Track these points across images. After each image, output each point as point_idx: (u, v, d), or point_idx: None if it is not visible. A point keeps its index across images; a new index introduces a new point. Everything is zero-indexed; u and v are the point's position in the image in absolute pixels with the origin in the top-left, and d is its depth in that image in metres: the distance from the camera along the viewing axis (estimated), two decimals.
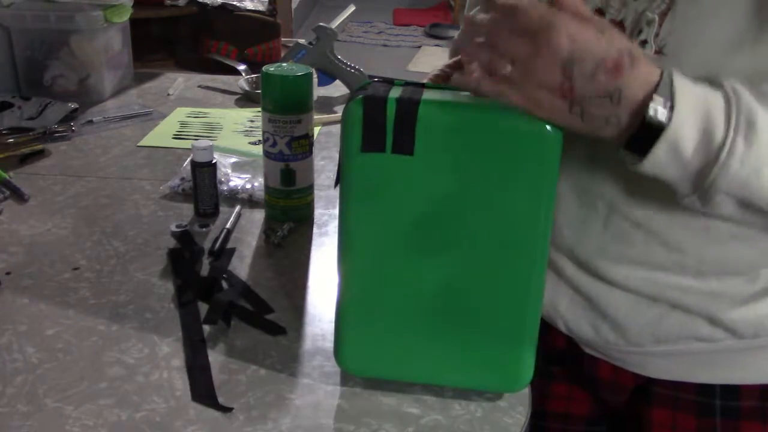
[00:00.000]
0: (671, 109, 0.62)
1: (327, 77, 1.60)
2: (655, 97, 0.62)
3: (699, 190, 0.65)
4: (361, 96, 0.70)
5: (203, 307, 0.92)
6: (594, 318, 0.84)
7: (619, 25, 0.70)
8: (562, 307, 0.85)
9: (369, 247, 0.74)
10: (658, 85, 0.62)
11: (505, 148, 0.69)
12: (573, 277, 0.83)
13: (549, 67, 0.63)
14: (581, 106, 0.64)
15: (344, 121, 0.71)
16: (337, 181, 0.75)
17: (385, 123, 0.69)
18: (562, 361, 0.93)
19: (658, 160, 0.64)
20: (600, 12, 0.71)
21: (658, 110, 0.62)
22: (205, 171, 1.12)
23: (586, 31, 0.62)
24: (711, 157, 0.63)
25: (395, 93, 0.71)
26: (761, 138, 0.62)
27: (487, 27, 0.65)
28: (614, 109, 0.63)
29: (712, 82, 0.65)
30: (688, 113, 0.62)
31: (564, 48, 0.62)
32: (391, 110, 0.69)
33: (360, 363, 0.80)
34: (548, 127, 0.68)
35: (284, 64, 1.09)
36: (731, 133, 0.62)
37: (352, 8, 1.75)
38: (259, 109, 1.15)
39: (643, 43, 0.68)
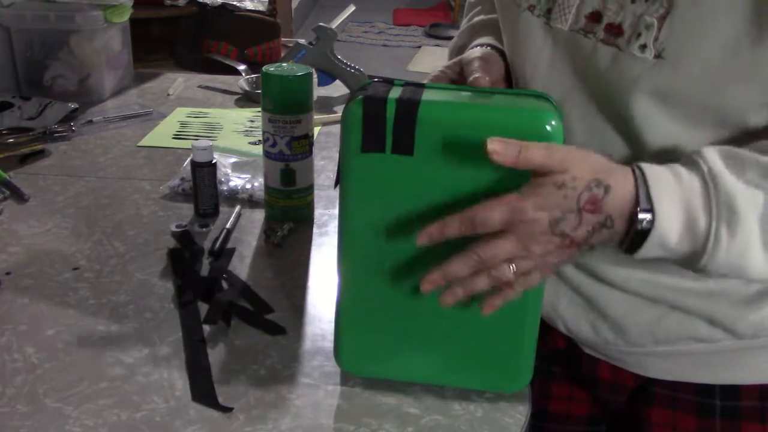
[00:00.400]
0: (652, 211, 0.65)
1: (327, 77, 1.60)
2: (640, 210, 0.65)
3: (693, 269, 0.68)
4: (361, 96, 0.70)
5: (203, 307, 0.92)
6: (594, 318, 0.84)
7: (617, 28, 0.70)
8: (562, 308, 0.85)
9: (369, 248, 0.74)
10: (637, 191, 0.66)
11: None
12: (573, 277, 0.83)
13: (544, 241, 0.67)
14: (588, 244, 0.67)
15: (344, 122, 0.71)
16: (337, 182, 0.75)
17: (385, 123, 0.69)
18: (561, 361, 0.93)
19: (649, 254, 0.67)
20: (597, 15, 0.71)
21: (644, 221, 0.65)
22: (205, 171, 1.12)
23: (546, 192, 0.66)
24: (698, 246, 0.66)
25: (395, 93, 0.71)
26: (743, 223, 0.64)
27: (468, 257, 0.68)
28: (612, 231, 0.67)
29: (689, 157, 0.68)
30: (669, 212, 0.65)
31: (542, 220, 0.66)
32: (391, 110, 0.69)
33: (360, 363, 0.80)
34: (548, 126, 0.68)
35: (284, 64, 1.09)
36: (714, 223, 0.64)
37: (352, 8, 1.76)
38: (259, 109, 1.15)
39: (643, 47, 0.68)
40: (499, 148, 0.65)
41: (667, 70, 0.68)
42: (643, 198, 0.65)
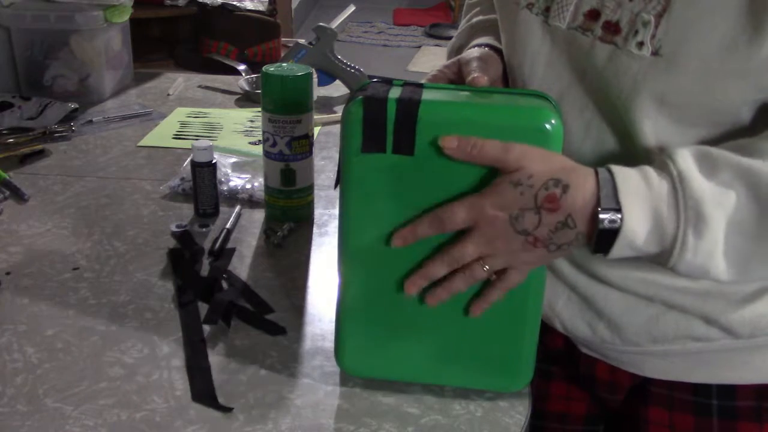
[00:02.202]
0: (619, 211, 0.66)
1: (327, 77, 1.60)
2: (602, 208, 0.66)
3: (665, 267, 0.69)
4: (361, 97, 0.70)
5: (203, 307, 0.92)
6: (590, 317, 0.84)
7: (615, 26, 0.70)
8: (559, 306, 0.85)
9: (369, 248, 0.74)
10: (599, 191, 0.66)
11: None
12: (570, 276, 0.83)
13: (507, 238, 0.68)
14: (553, 243, 0.69)
15: (344, 122, 0.71)
16: (337, 182, 0.75)
17: (385, 123, 0.69)
18: (559, 361, 0.93)
19: (620, 254, 0.68)
20: (595, 13, 0.71)
21: (606, 220, 0.66)
22: (205, 171, 1.12)
23: (502, 190, 0.68)
24: (666, 247, 0.67)
25: (395, 93, 0.70)
26: (710, 228, 0.65)
27: (441, 257, 0.71)
28: (576, 231, 0.68)
29: (660, 159, 0.68)
30: (636, 214, 0.66)
31: (501, 217, 0.68)
32: (391, 111, 0.69)
33: (361, 364, 0.80)
34: (548, 125, 0.68)
35: (284, 64, 1.09)
36: (681, 226, 0.65)
37: (352, 8, 1.76)
38: (259, 109, 1.15)
39: (640, 44, 0.68)
40: (451, 144, 0.68)
41: (664, 68, 0.68)
42: (606, 198, 0.66)
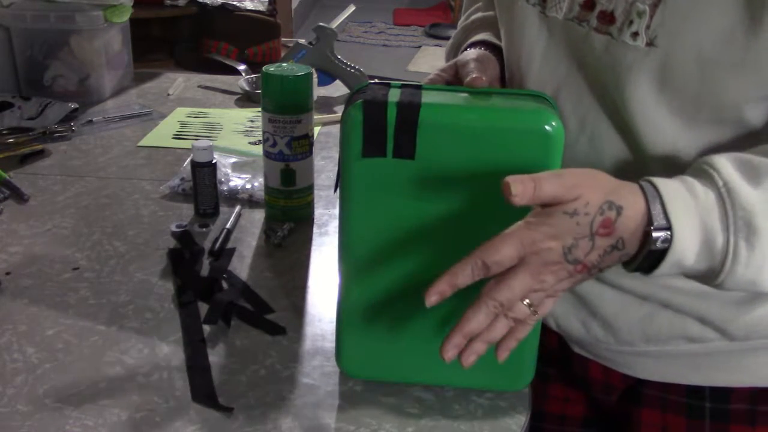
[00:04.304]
0: (669, 230, 0.62)
1: (327, 77, 1.60)
2: (654, 227, 0.62)
3: (709, 285, 0.66)
4: (360, 101, 0.70)
5: (203, 307, 0.92)
6: (584, 315, 0.84)
7: (610, 16, 0.70)
8: None
9: (370, 251, 0.74)
10: (649, 209, 0.63)
11: (507, 149, 0.69)
12: None
13: (557, 270, 0.63)
14: (597, 267, 0.64)
15: (344, 126, 0.71)
16: (337, 186, 0.75)
17: (385, 127, 0.69)
18: (554, 361, 0.93)
19: (666, 272, 0.64)
20: (591, 3, 0.71)
21: (659, 240, 0.62)
22: (205, 171, 1.12)
23: (557, 221, 0.62)
24: (716, 264, 0.63)
25: (394, 96, 0.70)
26: (762, 237, 0.62)
27: (486, 305, 0.64)
28: (623, 252, 0.64)
29: (700, 168, 0.65)
30: (687, 231, 0.62)
31: (555, 249, 0.62)
32: (391, 114, 0.69)
33: (361, 366, 0.80)
34: (548, 126, 0.68)
35: (284, 64, 1.09)
36: (732, 239, 0.62)
37: (352, 8, 1.76)
38: (259, 109, 1.15)
39: (635, 35, 0.68)
40: (516, 190, 0.62)
41: (659, 58, 0.67)
42: (657, 215, 0.63)
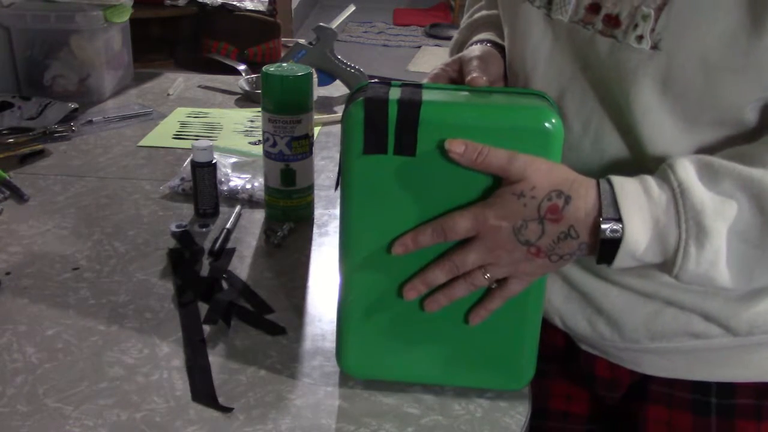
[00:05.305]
0: (620, 221, 0.66)
1: (327, 77, 1.60)
2: (603, 218, 0.67)
3: (670, 276, 0.69)
4: (361, 98, 0.70)
5: (203, 307, 0.92)
6: (590, 313, 0.84)
7: (615, 19, 0.70)
8: (558, 302, 0.85)
9: (371, 249, 0.74)
10: (600, 201, 0.67)
11: (507, 146, 0.69)
12: (569, 272, 0.83)
13: (510, 248, 0.69)
14: (555, 253, 0.69)
15: (345, 124, 0.71)
16: (338, 184, 0.75)
17: (386, 125, 0.69)
18: (560, 359, 0.93)
19: (624, 264, 0.68)
20: (596, 6, 0.71)
21: (607, 230, 0.67)
22: (205, 171, 1.12)
23: (505, 201, 0.68)
24: (669, 257, 0.67)
25: (395, 94, 0.70)
26: (711, 239, 0.65)
27: (443, 264, 0.72)
28: (579, 241, 0.68)
29: (662, 168, 0.68)
30: (637, 223, 0.66)
31: (503, 227, 0.68)
32: (393, 112, 0.69)
33: (362, 365, 0.79)
34: (548, 124, 0.68)
35: (284, 64, 1.09)
36: (683, 236, 0.66)
37: (352, 8, 1.76)
38: (259, 109, 1.15)
39: (639, 38, 0.68)
40: (457, 148, 0.68)
41: (663, 61, 0.68)
42: (607, 207, 0.67)
